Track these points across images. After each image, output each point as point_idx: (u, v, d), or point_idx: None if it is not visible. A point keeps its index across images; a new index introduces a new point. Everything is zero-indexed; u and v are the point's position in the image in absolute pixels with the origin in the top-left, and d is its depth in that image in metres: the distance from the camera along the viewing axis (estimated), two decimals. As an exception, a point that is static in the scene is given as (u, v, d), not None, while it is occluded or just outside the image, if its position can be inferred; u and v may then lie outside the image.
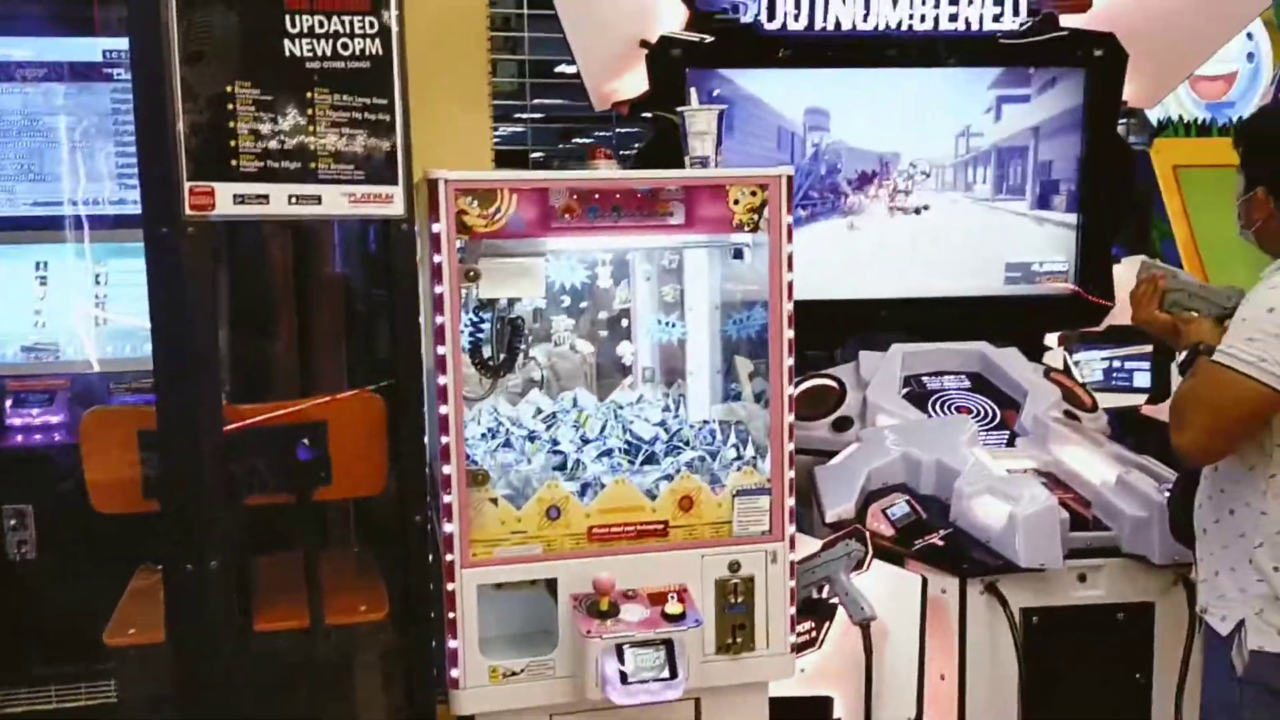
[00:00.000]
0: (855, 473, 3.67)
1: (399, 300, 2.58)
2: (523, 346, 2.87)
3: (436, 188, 2.63)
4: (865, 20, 4.21)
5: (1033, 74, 4.32)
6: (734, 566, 2.92)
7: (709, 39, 4.06)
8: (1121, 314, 4.40)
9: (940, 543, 3.41)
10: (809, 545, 3.44)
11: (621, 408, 3.39)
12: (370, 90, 2.50)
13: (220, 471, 2.42)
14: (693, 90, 3.06)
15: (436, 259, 2.64)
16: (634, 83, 4.22)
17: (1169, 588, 3.39)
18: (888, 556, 3.43)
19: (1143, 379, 4.33)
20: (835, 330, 4.44)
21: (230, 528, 2.47)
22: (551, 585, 2.84)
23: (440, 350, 2.66)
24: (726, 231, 2.88)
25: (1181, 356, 2.71)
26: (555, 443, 3.17)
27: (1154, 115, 4.83)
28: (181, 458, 2.38)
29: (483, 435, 3.19)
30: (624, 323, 3.37)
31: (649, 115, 4.05)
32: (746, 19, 4.15)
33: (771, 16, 4.16)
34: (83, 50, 4.10)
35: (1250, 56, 4.94)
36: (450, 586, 2.73)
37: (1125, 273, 4.46)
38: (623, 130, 6.04)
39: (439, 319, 2.65)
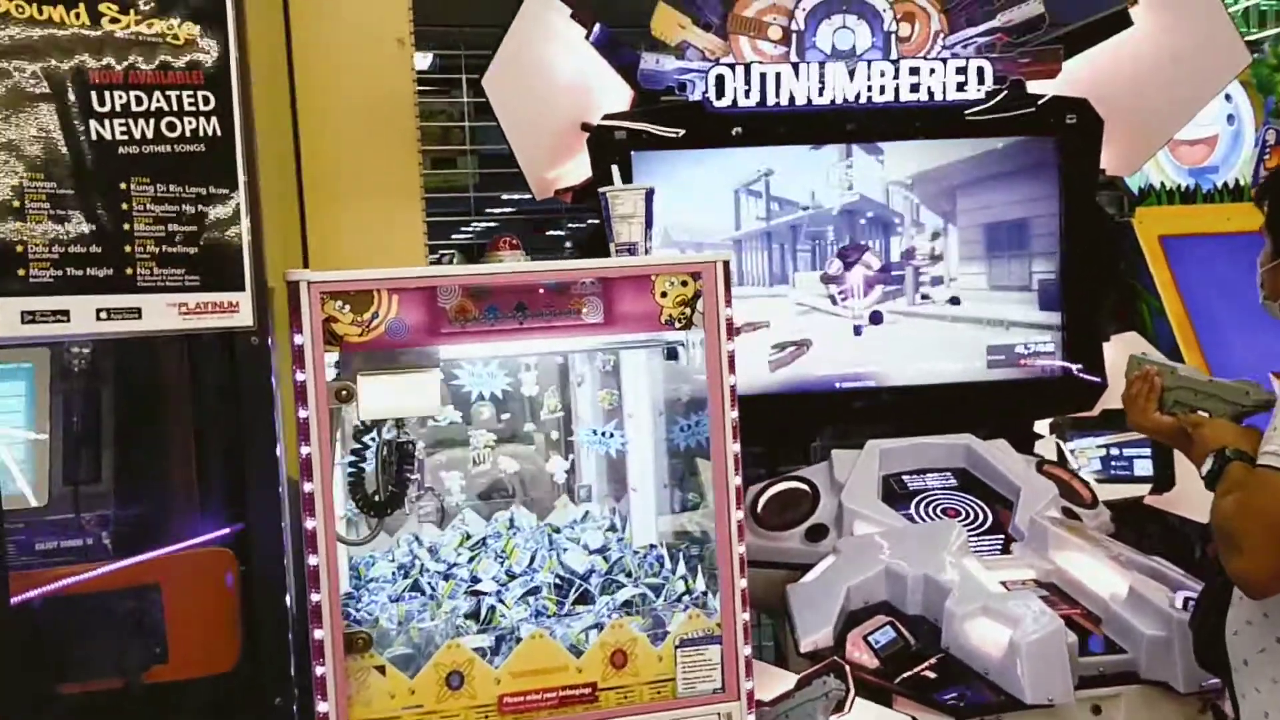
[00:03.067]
0: (833, 591, 3.05)
1: (250, 429, 1.97)
2: (415, 476, 2.26)
3: (298, 291, 2.04)
4: (820, 94, 3.68)
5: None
6: (681, 735, 2.27)
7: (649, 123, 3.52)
8: (1116, 396, 3.83)
9: (931, 675, 2.78)
10: (785, 681, 2.81)
11: (558, 531, 2.78)
12: (205, 178, 1.91)
13: (13, 657, 1.79)
14: (614, 169, 2.49)
15: (300, 377, 2.05)
16: (577, 169, 3.67)
17: (1196, 718, 2.76)
18: (872, 693, 2.80)
19: (1144, 466, 3.71)
20: (803, 426, 3.86)
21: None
22: (456, 771, 2.20)
23: (308, 487, 2.05)
24: (654, 329, 2.30)
25: (1206, 467, 2.12)
26: (476, 580, 2.55)
27: (1134, 183, 4.28)
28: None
29: (393, 575, 2.57)
30: (553, 434, 2.76)
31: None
32: (694, 97, 3.62)
33: (721, 94, 3.62)
34: None
35: (1230, 119, 4.43)
36: (329, 779, 2.08)
37: (1115, 352, 3.90)
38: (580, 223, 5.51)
39: (304, 449, 2.04)
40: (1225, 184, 4.37)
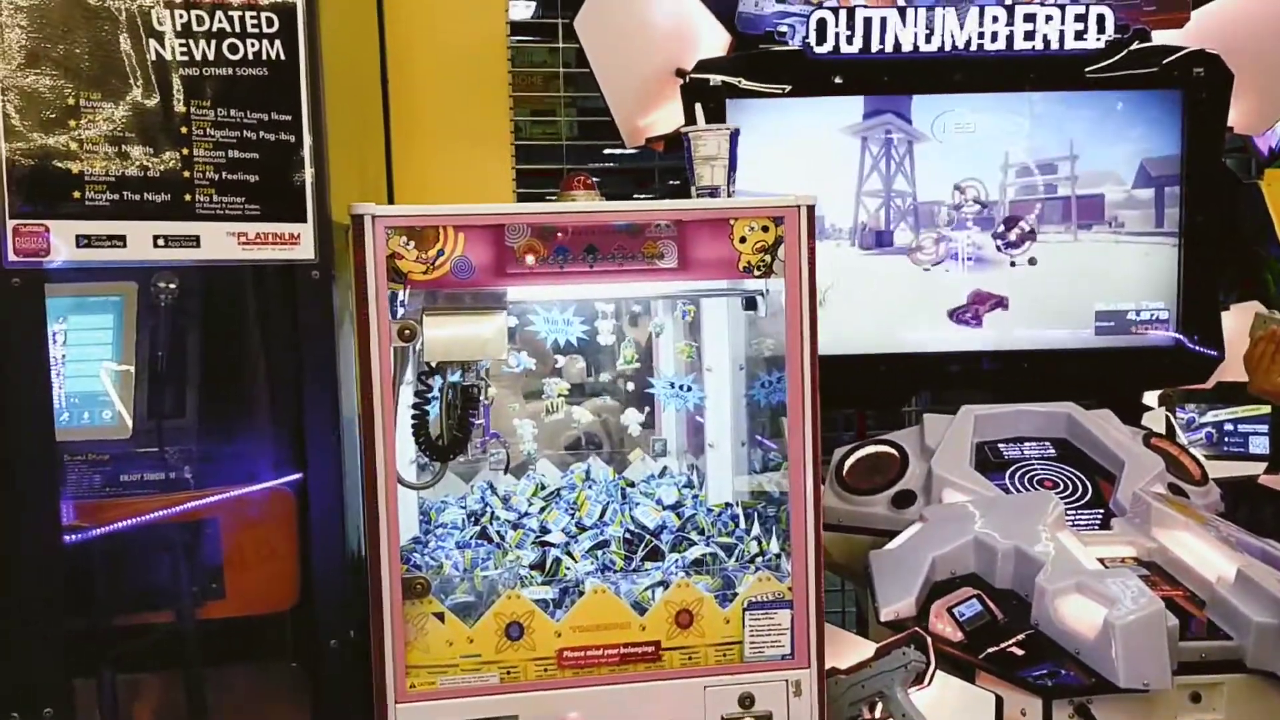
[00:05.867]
0: (918, 560, 2.87)
1: (310, 367, 1.88)
2: (478, 420, 2.15)
3: (362, 225, 1.94)
4: (928, 41, 3.45)
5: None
6: (746, 701, 2.14)
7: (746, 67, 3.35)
8: (1232, 368, 3.56)
9: (1019, 651, 2.59)
10: (863, 649, 2.67)
11: (632, 485, 2.66)
12: (268, 104, 1.82)
13: (56, 590, 1.73)
14: (698, 106, 2.34)
15: (365, 314, 1.94)
16: (670, 117, 3.51)
17: (1306, 712, 2.52)
18: (956, 667, 2.63)
19: (1260, 443, 3.43)
20: (897, 388, 3.67)
21: (77, 661, 1.77)
22: (511, 724, 2.10)
23: (369, 428, 1.96)
24: (732, 276, 2.14)
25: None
26: (545, 530, 2.44)
27: (1262, 143, 3.95)
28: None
29: (462, 523, 2.49)
30: (630, 386, 2.63)
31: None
32: (794, 42, 3.42)
33: (821, 39, 3.42)
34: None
35: (1376, 74, 4.01)
36: (383, 726, 2.00)
37: (1234, 322, 3.60)
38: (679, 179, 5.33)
39: (367, 388, 1.95)
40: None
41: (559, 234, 2.00)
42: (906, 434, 3.41)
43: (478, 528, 2.45)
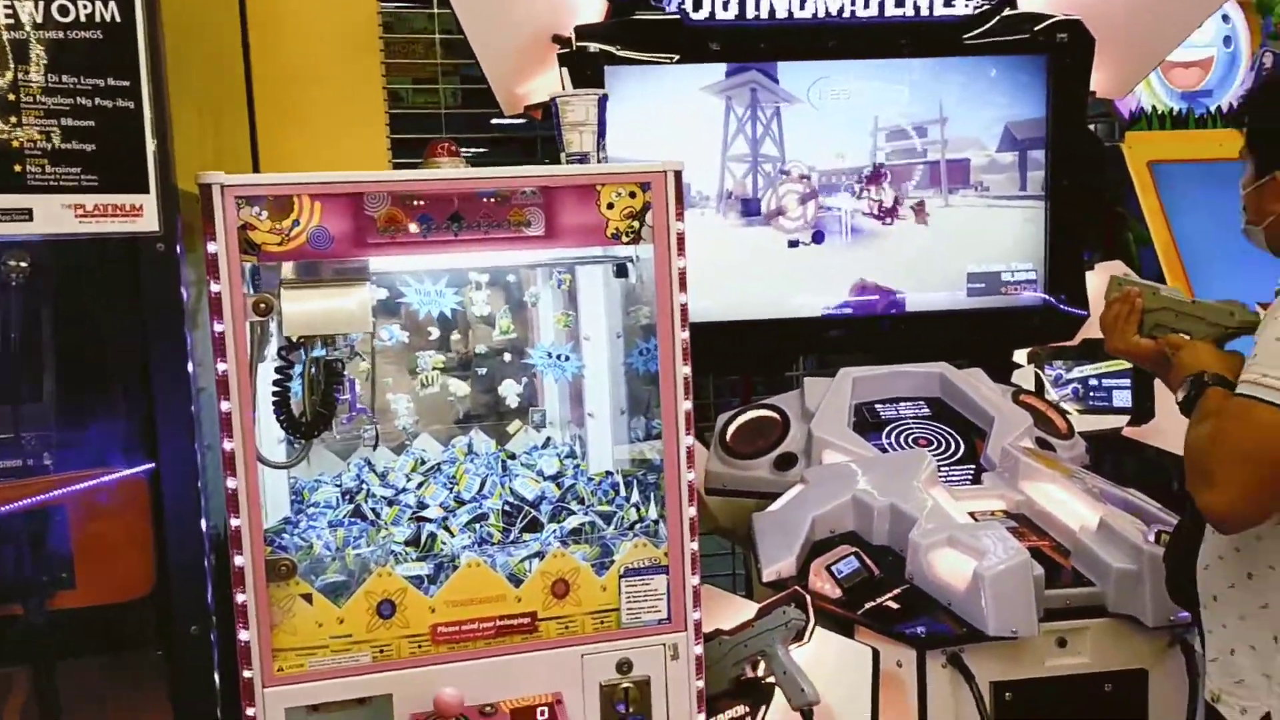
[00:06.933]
0: (798, 521, 2.88)
1: (158, 345, 1.78)
2: (344, 396, 2.07)
3: (210, 195, 1.84)
4: (802, 7, 3.43)
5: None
6: (624, 666, 2.12)
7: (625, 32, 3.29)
8: (1097, 326, 3.64)
9: (895, 605, 2.62)
10: (746, 610, 2.67)
11: (514, 457, 2.61)
12: (104, 70, 1.71)
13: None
14: (564, 71, 2.27)
15: (215, 288, 1.85)
16: (550, 84, 3.43)
17: (1164, 652, 2.62)
18: (835, 623, 2.65)
19: (1123, 398, 3.53)
20: (781, 353, 3.68)
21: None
22: (386, 703, 2.04)
23: (225, 406, 1.87)
24: (600, 243, 2.10)
25: (1182, 392, 1.94)
26: (423, 505, 2.38)
27: (1124, 107, 4.04)
28: None
29: (336, 501, 2.41)
30: (507, 357, 2.58)
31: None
32: (671, 8, 3.37)
33: (698, 5, 3.37)
34: None
35: (1227, 40, 4.16)
36: (251, 711, 1.93)
37: (1098, 281, 3.69)
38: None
39: (221, 365, 1.86)
40: (1219, 108, 4.12)
41: (421, 202, 1.93)
42: (788, 397, 3.42)
43: (352, 506, 2.37)
